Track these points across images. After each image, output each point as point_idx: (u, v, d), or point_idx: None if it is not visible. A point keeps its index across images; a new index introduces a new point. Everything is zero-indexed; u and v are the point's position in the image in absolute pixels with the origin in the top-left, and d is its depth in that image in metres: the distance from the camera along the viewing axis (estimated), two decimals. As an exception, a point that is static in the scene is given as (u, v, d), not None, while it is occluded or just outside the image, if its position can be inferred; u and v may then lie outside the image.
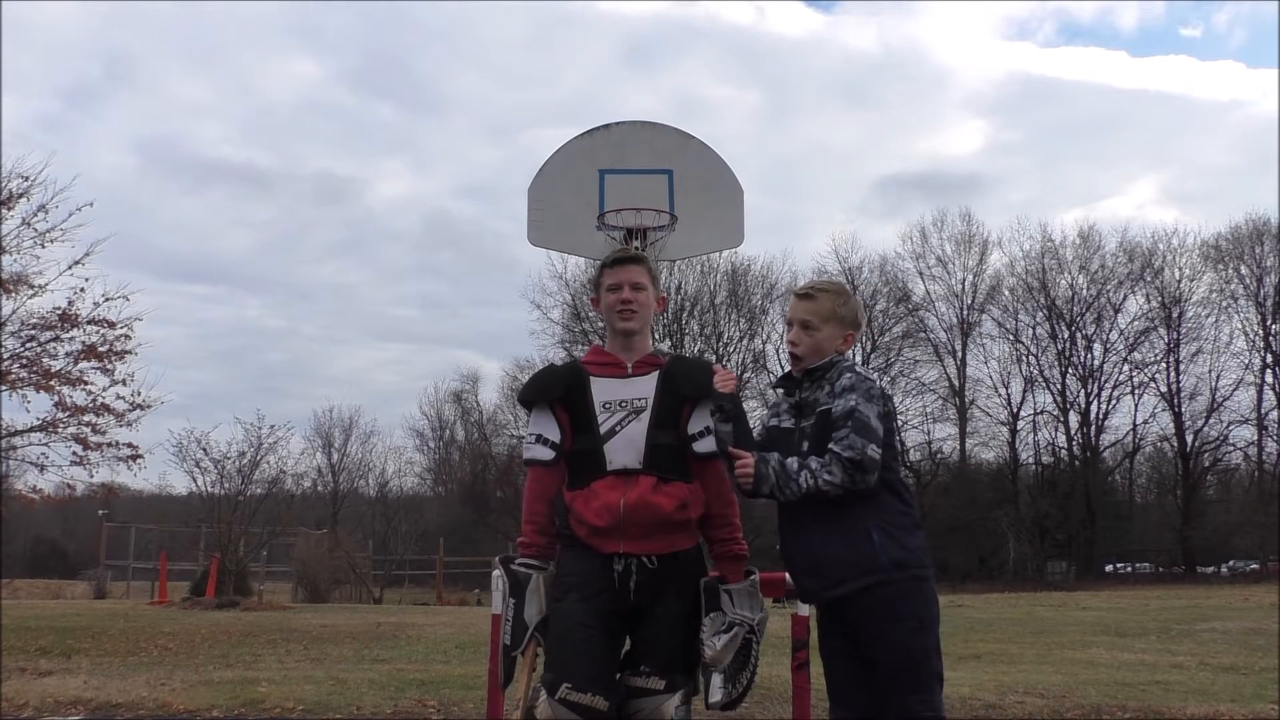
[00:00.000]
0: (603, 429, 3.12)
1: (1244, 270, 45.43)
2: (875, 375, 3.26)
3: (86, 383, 14.54)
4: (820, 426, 3.04)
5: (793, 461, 2.98)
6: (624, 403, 3.14)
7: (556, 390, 3.21)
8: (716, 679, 3.04)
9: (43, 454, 14.54)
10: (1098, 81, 72.89)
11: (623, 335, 3.22)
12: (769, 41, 71.75)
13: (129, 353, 14.73)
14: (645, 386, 3.16)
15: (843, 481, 2.92)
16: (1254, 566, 43.02)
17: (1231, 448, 46.97)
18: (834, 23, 77.02)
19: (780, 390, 3.31)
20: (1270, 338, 44.81)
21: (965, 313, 47.73)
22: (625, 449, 3.09)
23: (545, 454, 3.19)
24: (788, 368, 3.30)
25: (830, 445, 2.97)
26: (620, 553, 3.04)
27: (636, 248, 7.07)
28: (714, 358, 47.20)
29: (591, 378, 3.19)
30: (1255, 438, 45.90)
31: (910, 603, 2.97)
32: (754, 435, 3.21)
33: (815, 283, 3.33)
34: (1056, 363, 47.40)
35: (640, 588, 3.05)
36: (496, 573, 3.29)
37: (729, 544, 3.18)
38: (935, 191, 75.51)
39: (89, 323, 14.46)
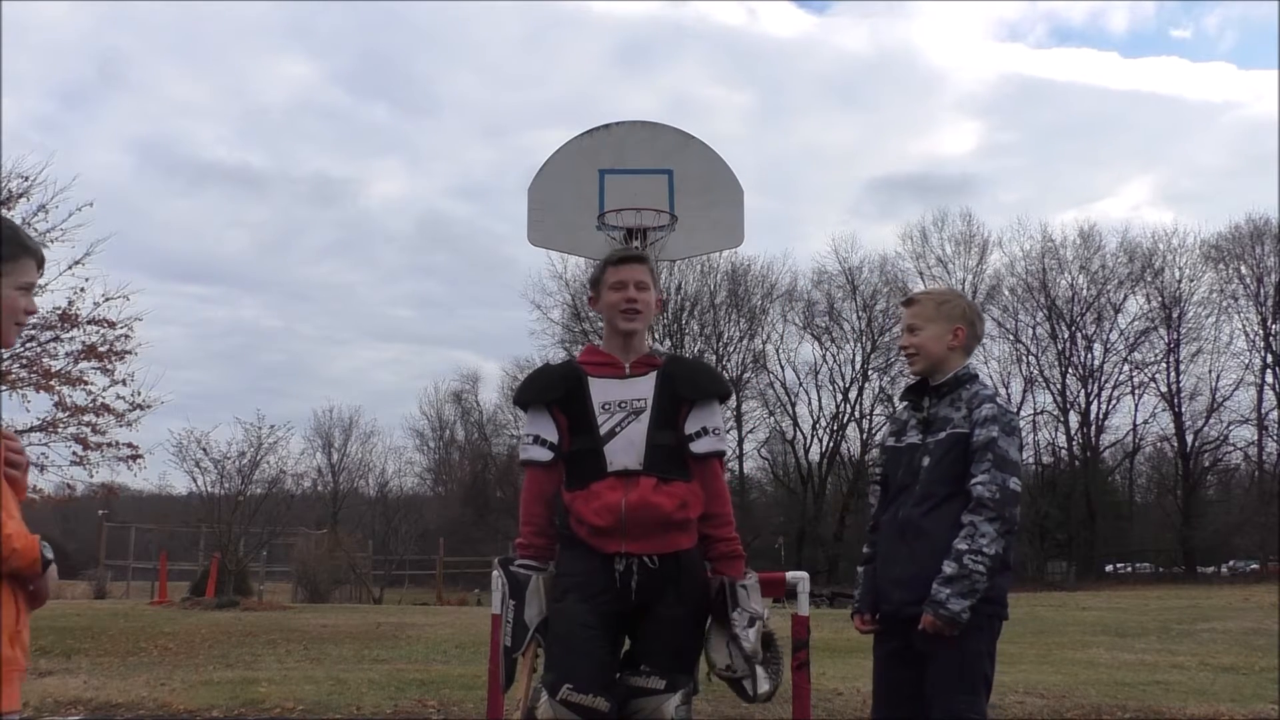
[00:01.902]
0: (602, 430, 3.10)
1: (1244, 270, 45.49)
2: (1013, 408, 3.36)
3: (86, 383, 14.55)
4: (949, 447, 3.12)
5: (948, 566, 3.00)
6: (623, 403, 3.12)
7: (554, 392, 3.19)
8: (760, 671, 3.06)
9: (43, 454, 14.54)
10: (1090, 83, 72.95)
11: (624, 335, 3.20)
12: (761, 43, 71.81)
13: (129, 353, 14.75)
14: (644, 387, 3.15)
15: (1000, 529, 3.01)
16: (1254, 566, 43.03)
17: (1231, 448, 47.07)
18: (826, 24, 77.01)
19: (906, 405, 3.38)
20: (1270, 338, 44.85)
21: (965, 313, 47.70)
22: (625, 450, 3.08)
23: (543, 455, 3.18)
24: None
25: (972, 482, 3.05)
26: (621, 552, 3.03)
27: (636, 247, 7.08)
28: (714, 358, 47.19)
29: (589, 378, 3.17)
30: (1255, 438, 46.01)
31: (977, 629, 3.06)
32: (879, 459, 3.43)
33: (918, 290, 3.47)
34: (1056, 363, 47.45)
35: (641, 587, 3.04)
36: (496, 573, 3.28)
37: (730, 543, 3.19)
38: (930, 193, 75.65)
39: (89, 323, 14.48)
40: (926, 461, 3.16)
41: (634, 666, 3.07)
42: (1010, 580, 3.19)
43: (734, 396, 46.84)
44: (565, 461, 3.17)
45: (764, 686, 3.05)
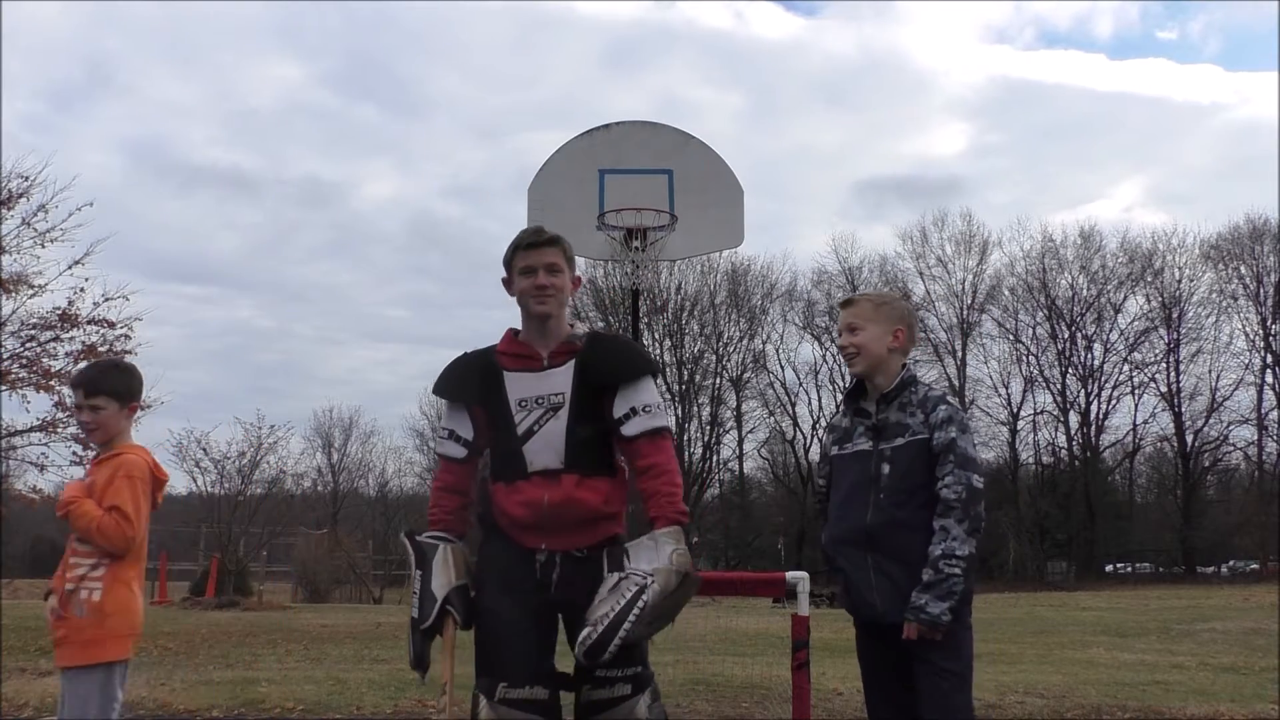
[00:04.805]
0: (520, 429, 3.02)
1: (1244, 270, 45.50)
2: (960, 404, 3.35)
3: (87, 383, 14.52)
4: (912, 454, 3.12)
5: (925, 573, 3.00)
6: (540, 399, 3.03)
7: (468, 395, 3.14)
8: (586, 630, 2.80)
9: (43, 454, 14.52)
10: (1078, 84, 73.01)
11: (538, 320, 3.08)
12: (750, 45, 71.87)
13: (129, 353, 14.74)
14: (562, 379, 3.05)
15: (969, 528, 3.02)
16: (1254, 566, 43.04)
17: (1231, 448, 47.07)
18: (814, 27, 77.00)
19: (848, 412, 3.34)
20: (1270, 338, 44.84)
21: (965, 313, 47.76)
22: (545, 450, 3.00)
23: (457, 451, 3.16)
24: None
25: (938, 485, 3.06)
26: (541, 548, 3.00)
27: (637, 247, 7.09)
28: (714, 358, 47.21)
29: (505, 373, 3.07)
30: (1255, 438, 45.99)
31: (966, 630, 3.12)
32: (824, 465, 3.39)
33: (855, 293, 3.48)
34: (1056, 363, 47.44)
35: (564, 581, 2.99)
36: (401, 540, 3.18)
37: (655, 513, 2.99)
38: (920, 194, 75.30)
39: (89, 323, 14.47)
40: (887, 469, 3.14)
41: (588, 675, 2.94)
42: (975, 580, 3.19)
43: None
44: (491, 453, 3.13)
45: (578, 647, 2.80)
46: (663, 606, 2.86)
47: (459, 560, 3.09)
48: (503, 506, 3.04)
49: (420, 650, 3.04)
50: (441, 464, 3.22)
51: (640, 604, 2.81)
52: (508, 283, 3.16)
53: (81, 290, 14.45)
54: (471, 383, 3.13)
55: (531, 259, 3.08)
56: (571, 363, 3.06)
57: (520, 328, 3.18)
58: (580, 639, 2.81)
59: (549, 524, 2.97)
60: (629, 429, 3.03)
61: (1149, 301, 46.34)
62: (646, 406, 3.05)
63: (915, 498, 3.09)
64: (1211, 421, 46.06)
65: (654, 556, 2.90)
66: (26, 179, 14.41)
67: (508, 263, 3.15)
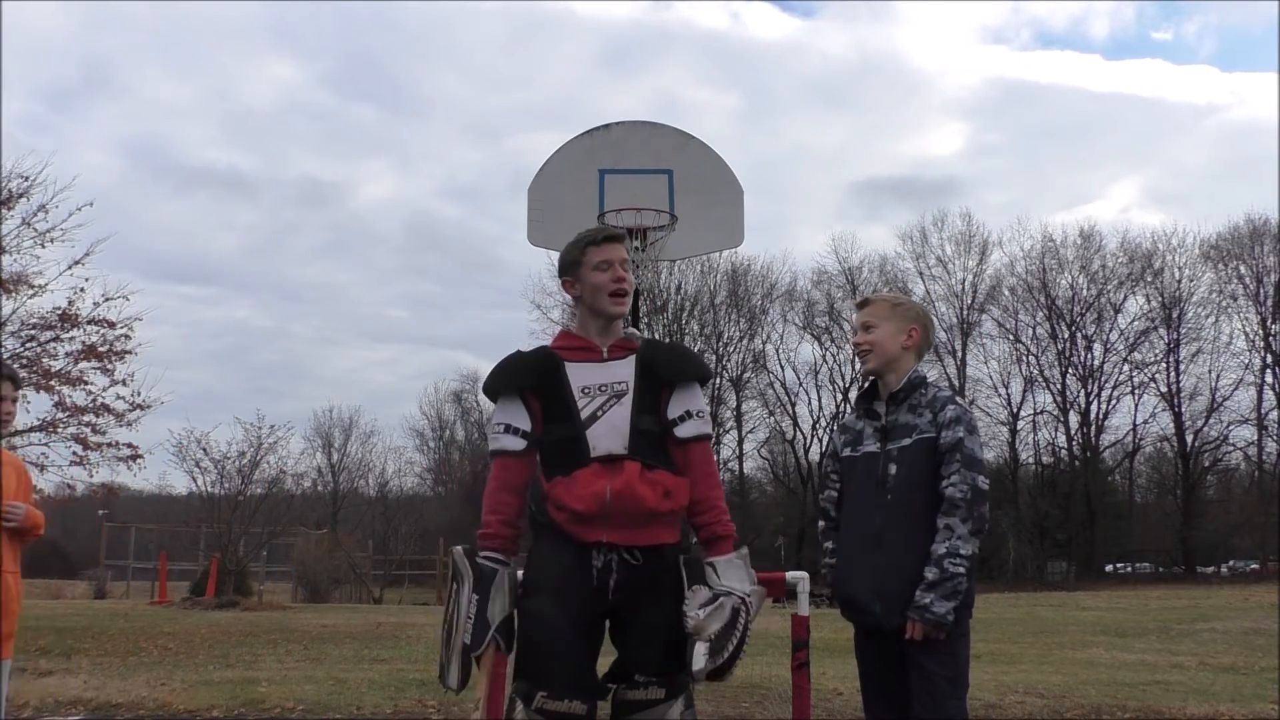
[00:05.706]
0: (584, 414, 2.95)
1: (1243, 270, 45.48)
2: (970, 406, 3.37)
3: (86, 383, 14.57)
4: (919, 453, 3.13)
5: (929, 572, 3.01)
6: (604, 387, 2.98)
7: (527, 379, 3.04)
8: (700, 647, 2.84)
9: (43, 454, 14.54)
10: (1074, 85, 73.10)
11: (609, 318, 3.04)
12: (746, 46, 71.97)
13: (129, 353, 14.77)
14: (624, 370, 3.01)
15: (973, 528, 3.04)
16: (1254, 566, 43.04)
17: (1231, 448, 47.00)
18: (811, 28, 77.05)
19: (860, 414, 3.36)
20: (1270, 338, 44.82)
21: (965, 313, 47.75)
22: (609, 434, 2.93)
23: (516, 444, 3.02)
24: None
25: (943, 484, 3.07)
26: (603, 543, 2.90)
27: (637, 247, 7.08)
28: (714, 358, 47.15)
29: (566, 363, 3.01)
30: (1255, 438, 45.95)
31: (963, 635, 3.12)
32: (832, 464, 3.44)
33: (871, 293, 3.53)
34: (1056, 363, 47.41)
35: (620, 586, 2.92)
36: (457, 559, 3.07)
37: (714, 526, 3.02)
38: (918, 194, 75.36)
39: (89, 323, 14.50)
40: (894, 470, 3.14)
41: (627, 678, 2.93)
42: (976, 580, 3.20)
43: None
44: (542, 451, 3.04)
45: (698, 664, 2.82)
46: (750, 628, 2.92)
47: (513, 588, 3.02)
48: (561, 500, 2.90)
49: (463, 674, 2.95)
50: (497, 462, 3.08)
51: (746, 626, 2.89)
52: (571, 283, 3.10)
53: (81, 290, 14.49)
54: (526, 372, 3.06)
55: (608, 253, 3.04)
56: (632, 357, 3.04)
57: (573, 328, 3.14)
58: (700, 666, 2.82)
59: (612, 514, 2.88)
60: (684, 430, 3.01)
61: (1149, 301, 46.37)
62: (700, 411, 3.05)
63: (921, 497, 3.09)
64: (1211, 421, 46.07)
65: (743, 576, 2.96)
66: (26, 179, 14.45)
67: (575, 260, 3.07)
